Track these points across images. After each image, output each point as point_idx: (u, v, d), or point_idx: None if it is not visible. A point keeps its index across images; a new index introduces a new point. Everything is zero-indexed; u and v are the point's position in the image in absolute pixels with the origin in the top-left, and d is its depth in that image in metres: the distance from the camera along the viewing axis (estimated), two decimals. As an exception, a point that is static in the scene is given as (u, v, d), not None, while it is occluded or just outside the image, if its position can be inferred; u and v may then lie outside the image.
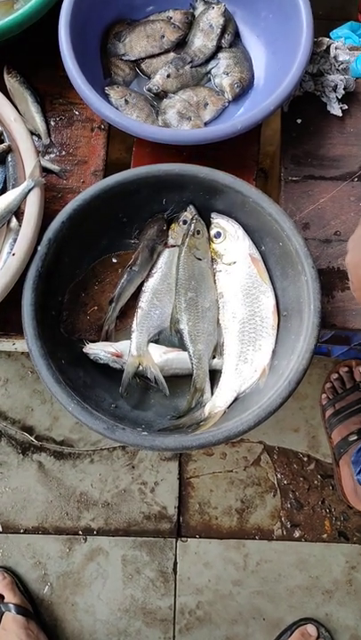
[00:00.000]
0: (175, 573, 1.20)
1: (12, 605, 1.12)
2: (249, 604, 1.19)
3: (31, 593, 1.18)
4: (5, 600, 1.13)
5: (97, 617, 1.18)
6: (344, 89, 0.88)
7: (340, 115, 0.89)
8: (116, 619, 1.18)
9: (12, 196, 0.72)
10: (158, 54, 0.90)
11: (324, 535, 1.22)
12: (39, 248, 0.73)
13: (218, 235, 0.80)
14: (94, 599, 1.19)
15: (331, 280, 0.84)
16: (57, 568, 1.20)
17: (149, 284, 0.80)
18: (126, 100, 0.87)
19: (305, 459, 1.25)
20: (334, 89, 0.89)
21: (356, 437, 1.15)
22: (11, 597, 1.13)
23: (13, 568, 1.19)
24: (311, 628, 1.15)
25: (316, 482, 1.24)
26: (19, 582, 1.17)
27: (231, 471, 1.24)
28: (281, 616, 1.18)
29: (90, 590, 1.19)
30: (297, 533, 1.22)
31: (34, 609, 1.17)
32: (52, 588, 1.19)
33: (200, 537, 1.22)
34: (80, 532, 1.22)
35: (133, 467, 1.24)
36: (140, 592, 1.19)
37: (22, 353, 1.28)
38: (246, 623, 1.18)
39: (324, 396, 1.25)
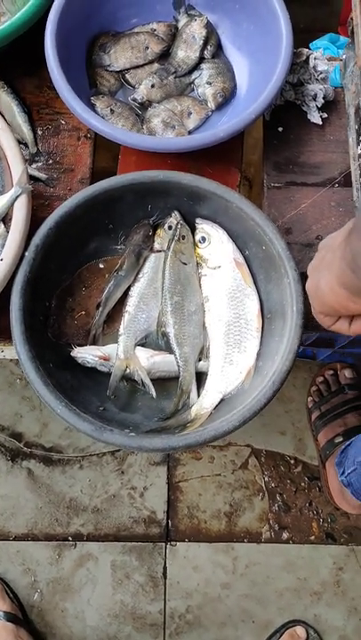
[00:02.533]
0: (165, 578, 1.21)
1: (1, 612, 1.11)
2: (238, 606, 1.19)
3: (21, 600, 1.18)
4: (-5, 607, 1.13)
5: (87, 623, 1.18)
6: (324, 98, 0.91)
7: (320, 123, 0.91)
8: (106, 624, 1.18)
9: (-1, 202, 0.74)
10: (143, 65, 0.93)
11: (312, 537, 1.23)
12: (27, 254, 0.74)
13: (203, 239, 0.82)
14: (84, 605, 1.19)
15: (313, 283, 0.86)
16: (46, 574, 1.20)
17: (136, 289, 0.82)
18: (112, 110, 0.89)
19: (292, 461, 1.27)
20: (314, 98, 0.91)
21: (341, 439, 1.17)
22: (0, 604, 1.13)
23: (2, 575, 1.19)
24: (300, 630, 1.16)
25: (303, 484, 1.25)
26: (8, 589, 1.17)
27: (219, 475, 1.25)
28: (270, 618, 1.19)
29: (79, 596, 1.19)
30: (285, 535, 1.23)
31: (24, 616, 1.16)
32: (42, 595, 1.19)
33: (189, 541, 1.22)
34: (70, 538, 1.22)
35: (123, 472, 1.25)
36: (129, 597, 1.19)
37: (11, 360, 1.28)
38: (235, 626, 1.19)
39: (309, 399, 1.27)
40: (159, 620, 1.19)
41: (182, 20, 0.94)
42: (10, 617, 1.11)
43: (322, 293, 0.62)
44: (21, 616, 1.15)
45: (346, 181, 0.89)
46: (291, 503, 1.24)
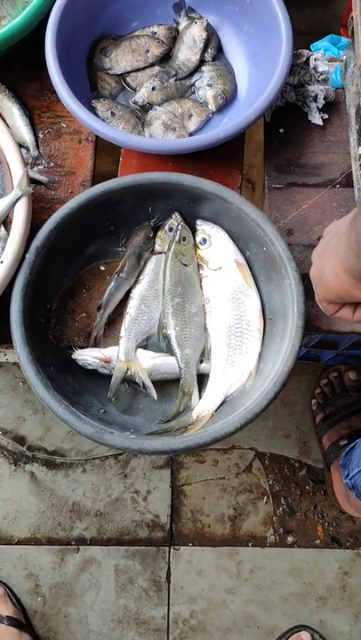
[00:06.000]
0: (168, 582, 1.20)
1: (4, 617, 1.11)
2: (243, 612, 1.18)
3: (24, 604, 1.18)
4: (-2, 612, 1.12)
5: (90, 628, 1.18)
6: (324, 99, 0.91)
7: (321, 124, 0.91)
8: (110, 629, 1.17)
9: None
10: (143, 68, 0.93)
11: (317, 541, 1.22)
12: (27, 256, 0.74)
13: (203, 241, 0.82)
14: (87, 610, 1.18)
15: (315, 284, 0.85)
16: (49, 579, 1.19)
17: (137, 291, 0.81)
18: (113, 113, 0.89)
19: (296, 464, 1.26)
20: (315, 99, 0.91)
21: (346, 442, 1.16)
22: (3, 609, 1.12)
23: (5, 579, 1.19)
24: (306, 635, 1.15)
25: (307, 487, 1.25)
26: (11, 594, 1.17)
27: (223, 478, 1.25)
28: (275, 624, 1.18)
29: (83, 601, 1.19)
30: (290, 539, 1.22)
31: (27, 621, 1.16)
32: (45, 600, 1.18)
33: (193, 545, 1.22)
34: (73, 543, 1.21)
35: (126, 475, 1.24)
36: (133, 602, 1.19)
37: (14, 364, 1.28)
38: (240, 632, 1.18)
39: (314, 401, 1.26)
40: (163, 625, 1.18)
41: (183, 22, 0.94)
42: (13, 622, 1.11)
43: (326, 279, 0.61)
44: (24, 621, 1.15)
45: (347, 182, 0.89)
46: (295, 507, 1.24)
